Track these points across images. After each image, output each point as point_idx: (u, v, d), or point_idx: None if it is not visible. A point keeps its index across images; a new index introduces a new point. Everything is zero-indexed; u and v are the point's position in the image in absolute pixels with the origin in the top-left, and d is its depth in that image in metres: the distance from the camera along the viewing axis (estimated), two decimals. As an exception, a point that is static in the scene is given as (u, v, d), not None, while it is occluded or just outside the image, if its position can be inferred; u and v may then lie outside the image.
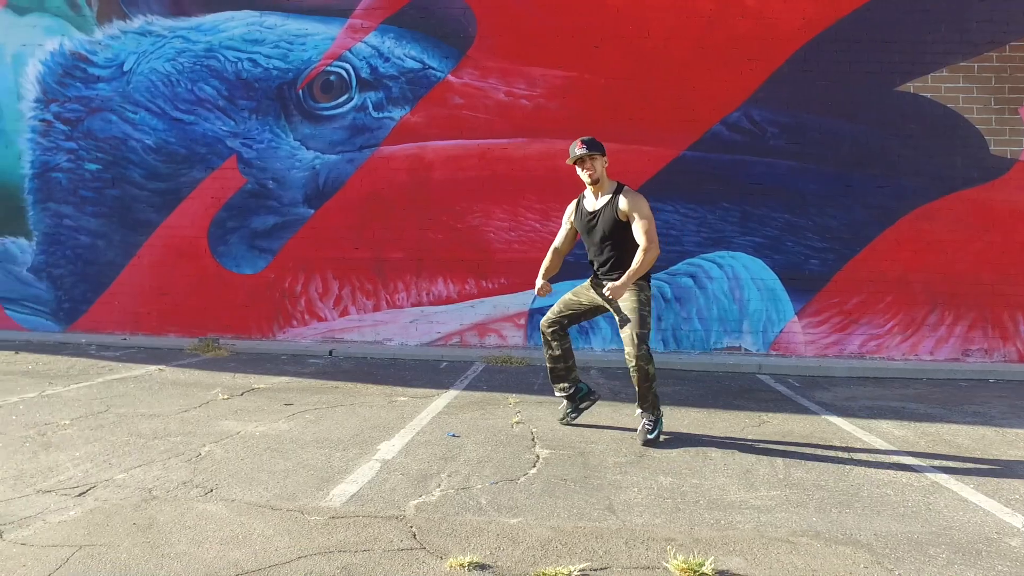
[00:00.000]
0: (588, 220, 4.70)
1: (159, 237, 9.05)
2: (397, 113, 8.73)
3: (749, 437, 4.79)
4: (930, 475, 3.98)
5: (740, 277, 8.40)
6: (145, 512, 3.20)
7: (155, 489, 3.53)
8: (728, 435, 4.85)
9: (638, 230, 4.46)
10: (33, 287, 9.31)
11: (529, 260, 8.52)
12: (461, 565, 2.65)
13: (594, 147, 4.56)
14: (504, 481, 3.74)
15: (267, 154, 8.90)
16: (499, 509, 3.31)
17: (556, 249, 5.00)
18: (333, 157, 8.83)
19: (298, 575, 2.58)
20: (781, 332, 8.35)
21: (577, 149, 4.57)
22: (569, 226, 4.92)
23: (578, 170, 4.65)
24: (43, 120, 9.23)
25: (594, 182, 4.62)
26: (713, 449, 4.47)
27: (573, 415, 5.04)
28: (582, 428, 4.96)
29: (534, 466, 4.03)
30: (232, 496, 3.44)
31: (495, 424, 5.03)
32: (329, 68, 8.81)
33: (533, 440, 4.61)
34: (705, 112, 8.38)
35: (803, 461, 4.20)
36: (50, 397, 5.64)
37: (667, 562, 2.67)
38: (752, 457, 4.29)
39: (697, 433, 4.89)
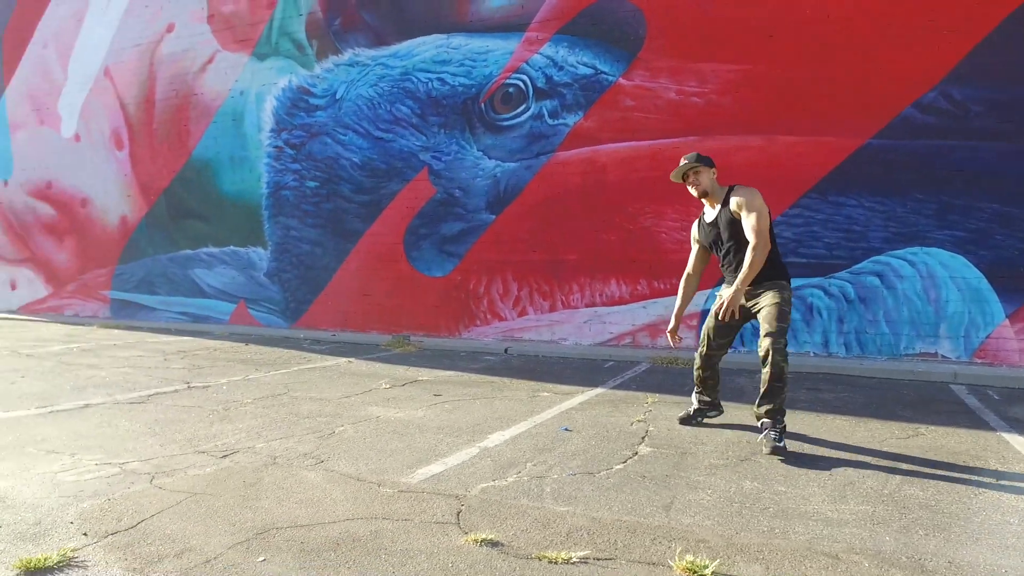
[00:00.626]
0: (709, 231, 4.63)
1: (363, 244, 10.15)
2: (571, 119, 8.97)
3: (885, 449, 4.35)
4: (1093, 506, 3.36)
5: (936, 275, 7.48)
6: (259, 474, 3.76)
7: (279, 457, 4.10)
8: (863, 445, 4.44)
9: (747, 225, 4.30)
10: (267, 289, 10.90)
11: (700, 260, 8.32)
12: (475, 540, 2.81)
13: (698, 159, 4.52)
14: (583, 474, 3.81)
15: (454, 165, 9.60)
16: (556, 498, 3.41)
17: (688, 276, 4.97)
18: (512, 165, 9.29)
19: (335, 532, 2.92)
20: (988, 337, 7.30)
21: (682, 162, 4.56)
22: (697, 246, 4.89)
23: (688, 187, 4.63)
24: (276, 146, 10.78)
25: (702, 195, 4.57)
26: (831, 458, 4.13)
27: (697, 419, 4.99)
28: (705, 428, 4.83)
29: (625, 462, 4.04)
30: (334, 468, 3.89)
31: (615, 421, 5.06)
32: (508, 81, 9.30)
33: (643, 438, 4.59)
34: (893, 95, 7.59)
35: (927, 480, 3.74)
36: (249, 380, 6.65)
37: (673, 560, 2.61)
38: (869, 470, 3.91)
39: (829, 440, 4.54)
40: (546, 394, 6.12)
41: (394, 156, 9.96)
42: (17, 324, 11.83)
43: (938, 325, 7.52)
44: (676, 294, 8.48)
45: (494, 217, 9.40)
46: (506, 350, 8.76)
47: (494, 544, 2.81)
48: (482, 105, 9.45)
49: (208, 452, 4.22)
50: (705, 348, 4.78)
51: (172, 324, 11.51)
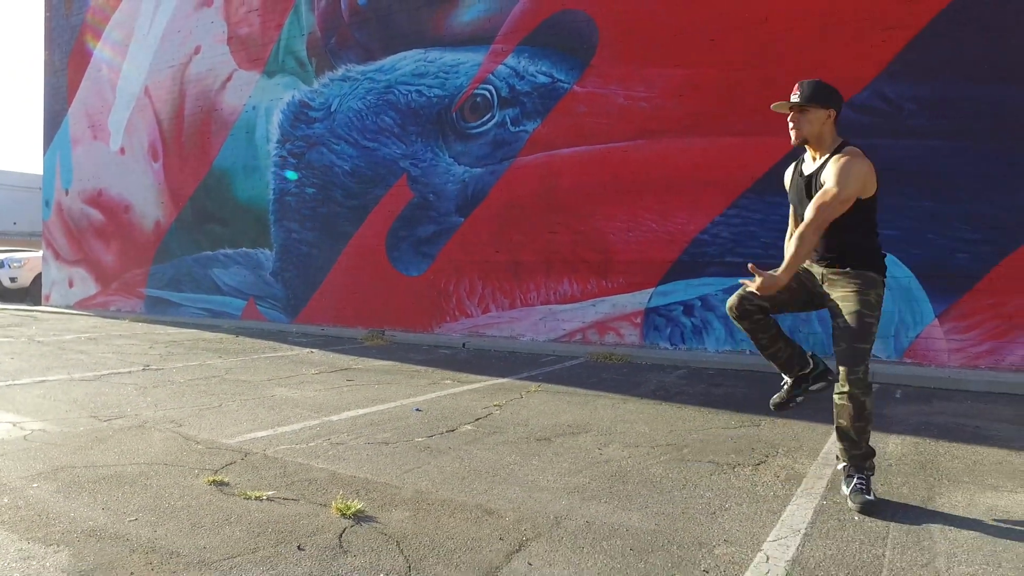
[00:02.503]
0: (802, 187, 3.50)
1: (352, 246, 10.93)
2: (530, 126, 9.45)
3: (697, 436, 4.67)
4: (803, 500, 3.61)
5: (867, 275, 7.53)
6: (116, 433, 4.47)
7: (149, 422, 4.82)
8: (686, 432, 4.78)
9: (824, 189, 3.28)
10: (273, 287, 11.86)
11: (646, 260, 8.64)
12: (209, 481, 3.42)
13: (812, 96, 3.34)
14: (381, 443, 4.34)
15: (429, 171, 10.24)
16: (328, 459, 3.96)
17: (791, 235, 3.74)
18: (479, 170, 9.85)
19: (113, 471, 3.59)
20: (917, 338, 7.31)
21: (792, 96, 3.43)
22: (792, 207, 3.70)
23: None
24: (281, 156, 11.74)
25: (800, 142, 3.45)
26: (630, 443, 4.51)
27: (798, 397, 3.72)
28: (544, 415, 5.25)
29: (431, 436, 4.54)
30: (182, 430, 4.57)
31: (471, 405, 5.54)
32: (476, 91, 9.87)
33: (477, 419, 5.06)
34: (827, 96, 7.69)
35: (690, 463, 4.04)
36: (204, 365, 7.48)
37: (334, 502, 3.13)
38: (647, 453, 4.26)
39: (660, 429, 4.89)
40: (448, 382, 6.64)
41: (379, 164, 10.70)
42: (63, 317, 13.30)
43: (867, 324, 7.57)
44: (625, 292, 8.84)
45: (462, 220, 9.98)
46: (464, 345, 9.31)
47: (220, 484, 3.41)
48: (453, 114, 10.05)
49: (99, 417, 4.98)
50: (743, 299, 3.54)
51: (192, 319, 12.65)
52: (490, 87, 9.76)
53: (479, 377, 6.93)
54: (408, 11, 10.45)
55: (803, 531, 2.98)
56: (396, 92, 10.54)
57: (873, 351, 7.38)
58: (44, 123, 15.93)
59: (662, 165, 8.55)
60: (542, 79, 9.36)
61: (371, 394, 5.96)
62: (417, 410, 5.34)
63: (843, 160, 3.27)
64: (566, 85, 9.19)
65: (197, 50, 12.95)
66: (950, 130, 7.19)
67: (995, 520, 3.09)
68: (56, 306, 15.47)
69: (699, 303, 8.41)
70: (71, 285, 15.43)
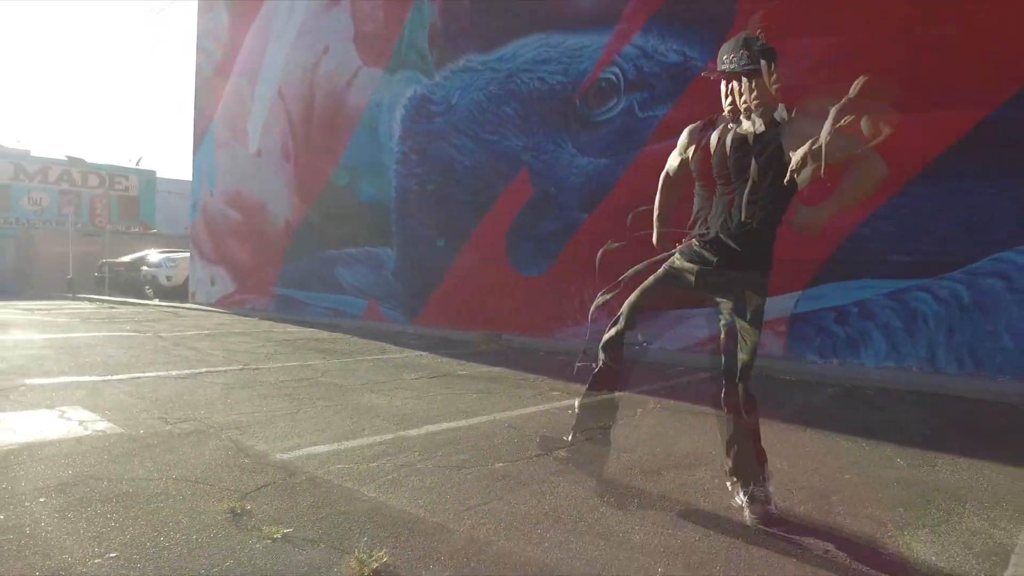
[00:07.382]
0: (740, 151, 2.87)
1: (471, 245, 10.41)
2: (660, 111, 8.53)
3: (848, 480, 3.65)
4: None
5: (1080, 277, 6.04)
6: (172, 439, 4.08)
7: (212, 427, 4.41)
8: (821, 470, 3.77)
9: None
10: (393, 287, 11.57)
11: (791, 258, 7.45)
12: (229, 507, 2.87)
13: (761, 54, 2.79)
14: (450, 468, 3.68)
15: (551, 163, 9.53)
16: (380, 485, 3.34)
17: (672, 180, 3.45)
18: (603, 161, 9.02)
19: (134, 486, 3.12)
20: None
21: (728, 56, 2.85)
22: (684, 159, 3.24)
23: (725, 90, 2.91)
24: (403, 153, 11.44)
25: (741, 114, 2.89)
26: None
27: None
28: (670, 442, 4.39)
29: (515, 461, 3.84)
30: (239, 439, 4.10)
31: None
32: (601, 75, 9.06)
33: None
34: (1029, 53, 6.27)
35: (842, 518, 3.08)
36: (303, 367, 7.14)
37: (356, 550, 2.45)
38: (776, 493, 3.33)
39: (776, 465, 3.91)
40: (556, 394, 5.89)
41: (499, 158, 10.11)
42: (201, 314, 13.72)
43: (1080, 339, 6.07)
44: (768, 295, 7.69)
45: (586, 216, 9.19)
46: (584, 351, 8.47)
47: (239, 513, 2.83)
48: (577, 102, 9.29)
49: (167, 419, 4.62)
50: (644, 300, 3.38)
51: (315, 318, 12.60)
52: (616, 70, 8.91)
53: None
54: (530, -7, 9.81)
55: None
56: (518, 81, 9.91)
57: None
58: (194, 129, 16.70)
59: (813, 149, 7.35)
60: (673, 58, 8.40)
61: (464, 404, 5.31)
62: (509, 427, 4.62)
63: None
64: (700, 63, 8.18)
65: (326, 50, 12.96)
66: None
67: None
68: (200, 304, 16.12)
69: (855, 310, 7.15)
70: (212, 283, 16.03)
